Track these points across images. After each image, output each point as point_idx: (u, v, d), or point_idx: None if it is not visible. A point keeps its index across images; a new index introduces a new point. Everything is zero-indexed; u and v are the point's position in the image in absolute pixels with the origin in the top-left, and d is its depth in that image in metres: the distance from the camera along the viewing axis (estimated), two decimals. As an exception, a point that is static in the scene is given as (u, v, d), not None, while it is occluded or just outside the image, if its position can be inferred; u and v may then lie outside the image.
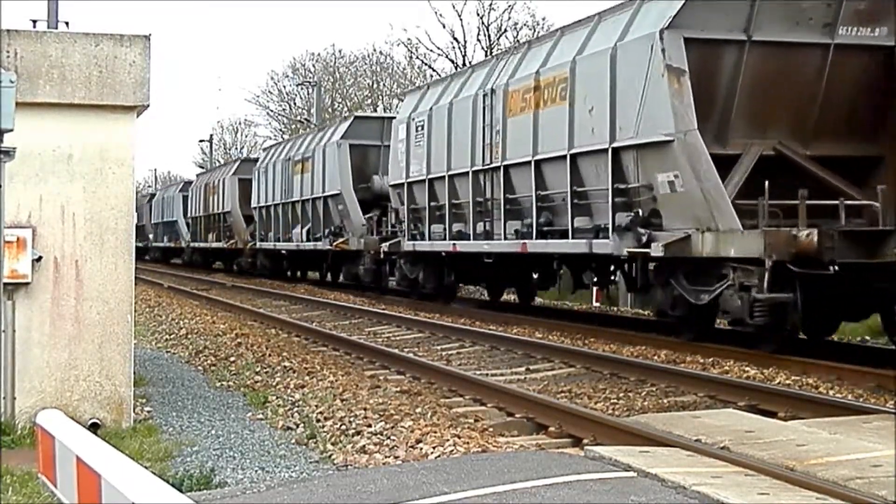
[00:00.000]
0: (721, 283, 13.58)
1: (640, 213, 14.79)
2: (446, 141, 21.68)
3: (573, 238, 16.70)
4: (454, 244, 21.47)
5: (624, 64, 15.12)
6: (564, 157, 16.71)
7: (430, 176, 22.66)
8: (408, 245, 23.98)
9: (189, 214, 51.89)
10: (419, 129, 23.37)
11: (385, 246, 25.19)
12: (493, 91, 19.58)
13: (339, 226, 29.54)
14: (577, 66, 16.47)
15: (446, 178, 21.67)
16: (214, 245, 46.21)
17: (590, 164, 16.22)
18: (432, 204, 22.74)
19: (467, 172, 20.61)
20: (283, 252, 36.48)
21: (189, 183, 56.09)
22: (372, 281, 27.59)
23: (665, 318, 15.53)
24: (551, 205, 17.73)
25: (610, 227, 15.40)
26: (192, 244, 51.29)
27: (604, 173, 15.67)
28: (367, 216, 27.96)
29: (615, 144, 15.30)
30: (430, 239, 22.94)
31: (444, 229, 22.15)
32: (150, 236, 62.42)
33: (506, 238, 19.27)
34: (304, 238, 32.50)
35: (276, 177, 36.43)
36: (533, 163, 17.84)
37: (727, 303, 13.48)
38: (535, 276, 22.61)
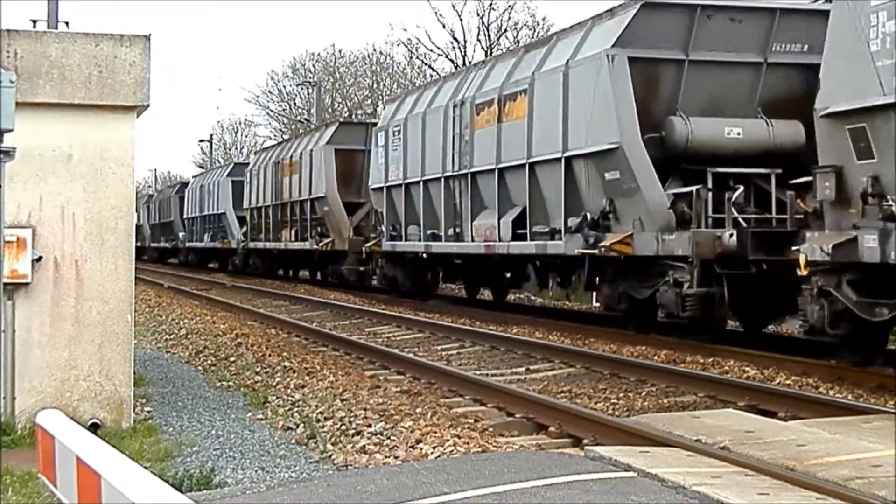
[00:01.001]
0: None
1: None
2: None
3: None
4: None
5: None
6: None
7: None
8: None
9: (246, 205, 39.46)
10: None
11: (824, 248, 11.16)
12: None
13: (606, 210, 15.89)
14: None
15: None
16: (294, 246, 33.07)
17: None
18: None
19: None
20: (425, 256, 23.10)
21: (242, 165, 43.56)
22: (699, 314, 14.24)
23: None
24: None
25: None
26: (248, 244, 38.71)
27: None
28: (667, 192, 15.14)
29: None
30: None
31: None
32: (181, 235, 50.60)
33: None
34: (507, 233, 18.83)
35: (427, 136, 22.38)
36: None
37: None
38: None
